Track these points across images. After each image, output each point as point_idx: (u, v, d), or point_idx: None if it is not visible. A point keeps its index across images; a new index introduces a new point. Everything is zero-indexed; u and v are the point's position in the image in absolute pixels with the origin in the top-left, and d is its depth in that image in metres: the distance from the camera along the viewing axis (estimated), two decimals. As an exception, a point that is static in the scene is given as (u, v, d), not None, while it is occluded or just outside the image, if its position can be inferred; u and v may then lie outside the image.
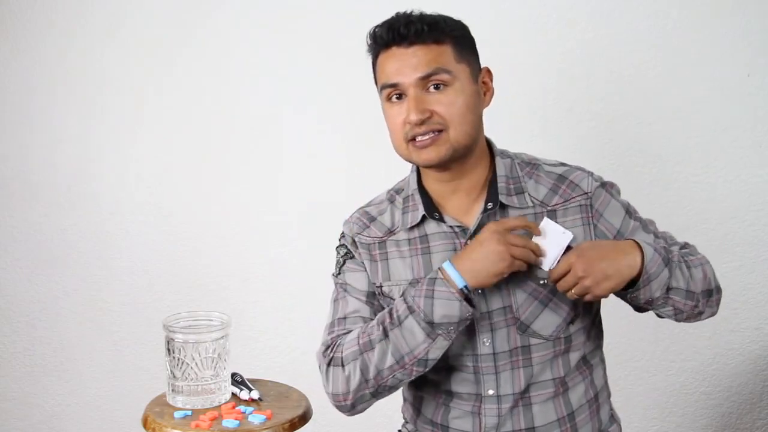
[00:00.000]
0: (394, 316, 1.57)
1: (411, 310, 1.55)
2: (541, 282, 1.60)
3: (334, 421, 2.43)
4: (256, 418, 1.70)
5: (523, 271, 1.57)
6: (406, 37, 1.56)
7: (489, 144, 1.69)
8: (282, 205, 2.49)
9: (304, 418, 1.75)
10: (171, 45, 2.51)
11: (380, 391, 1.60)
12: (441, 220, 1.64)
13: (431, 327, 1.53)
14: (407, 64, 1.57)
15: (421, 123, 1.56)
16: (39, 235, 2.68)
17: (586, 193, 1.63)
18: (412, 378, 1.59)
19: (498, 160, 1.66)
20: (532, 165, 1.68)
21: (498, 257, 1.52)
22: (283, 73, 2.44)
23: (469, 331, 1.61)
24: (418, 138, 1.58)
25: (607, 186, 1.66)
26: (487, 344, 1.61)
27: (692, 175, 2.22)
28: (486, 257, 1.52)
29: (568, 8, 2.22)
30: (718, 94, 2.18)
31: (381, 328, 1.58)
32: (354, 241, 1.71)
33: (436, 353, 1.56)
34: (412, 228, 1.66)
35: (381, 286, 1.67)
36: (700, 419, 2.30)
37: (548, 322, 1.61)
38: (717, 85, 2.18)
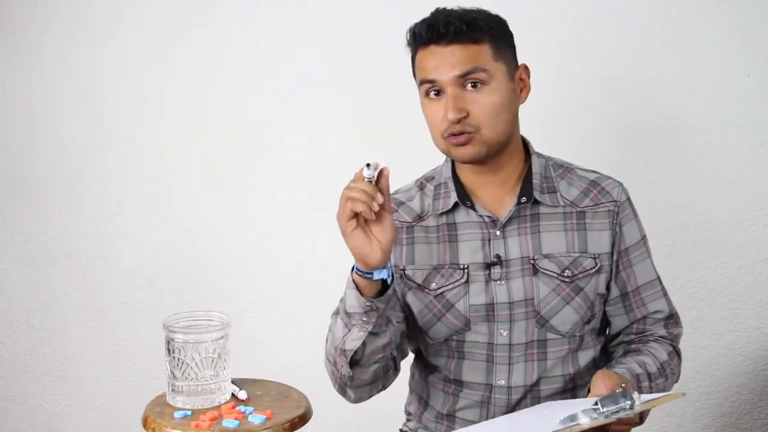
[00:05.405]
0: (338, 305, 1.61)
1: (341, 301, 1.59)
2: (565, 279, 1.63)
3: (334, 421, 2.43)
4: (256, 418, 1.70)
5: (548, 268, 1.62)
6: (445, 35, 1.58)
7: (525, 142, 1.72)
8: (282, 205, 2.49)
9: (304, 418, 1.75)
10: (171, 45, 2.51)
11: (345, 383, 1.63)
12: (472, 208, 1.67)
13: (348, 317, 1.55)
14: (445, 62, 1.58)
15: (458, 121, 1.58)
16: (39, 235, 2.68)
17: (615, 201, 1.68)
18: (342, 374, 1.60)
19: (534, 158, 1.70)
20: (565, 168, 1.72)
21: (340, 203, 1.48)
22: (285, 73, 2.44)
23: (486, 320, 1.64)
24: (454, 138, 1.60)
25: (632, 203, 1.71)
26: (504, 335, 1.63)
27: (692, 175, 2.22)
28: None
29: (568, 8, 2.22)
30: (718, 94, 2.17)
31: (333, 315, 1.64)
32: None
33: (352, 344, 1.56)
34: (441, 215, 1.69)
35: (404, 269, 1.69)
36: (700, 419, 2.30)
37: (567, 318, 1.63)
38: (717, 85, 2.17)
